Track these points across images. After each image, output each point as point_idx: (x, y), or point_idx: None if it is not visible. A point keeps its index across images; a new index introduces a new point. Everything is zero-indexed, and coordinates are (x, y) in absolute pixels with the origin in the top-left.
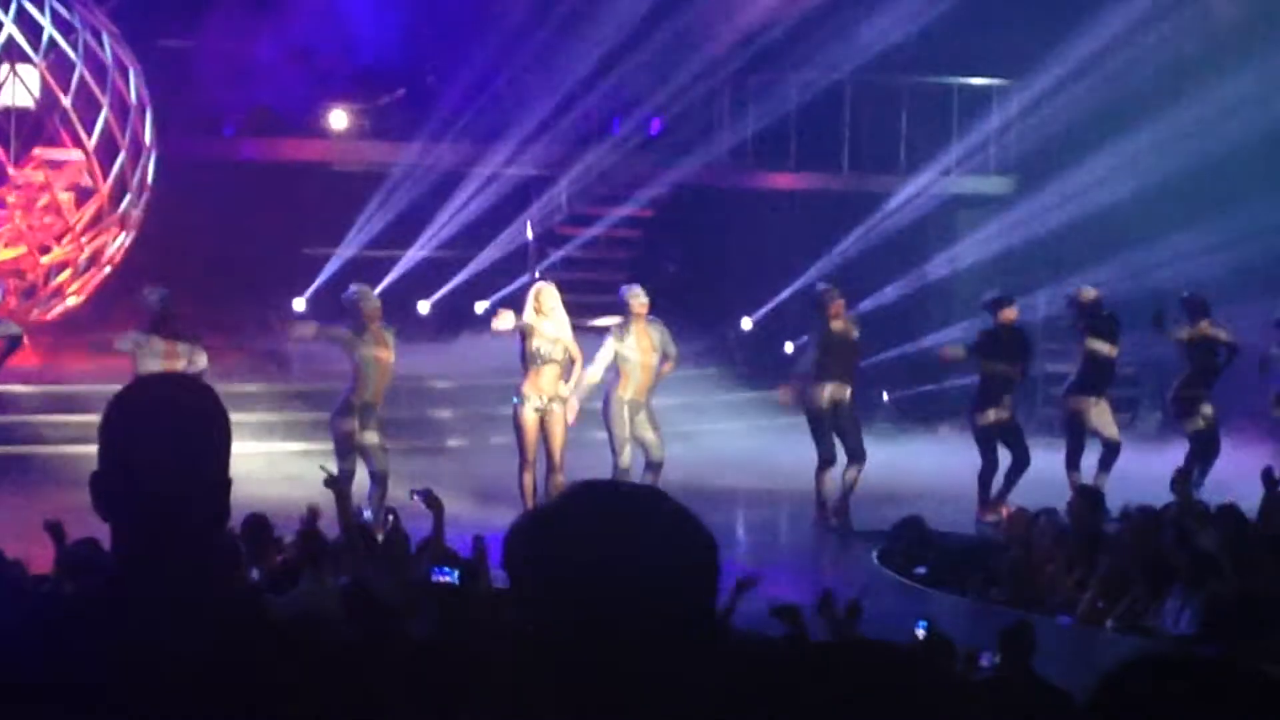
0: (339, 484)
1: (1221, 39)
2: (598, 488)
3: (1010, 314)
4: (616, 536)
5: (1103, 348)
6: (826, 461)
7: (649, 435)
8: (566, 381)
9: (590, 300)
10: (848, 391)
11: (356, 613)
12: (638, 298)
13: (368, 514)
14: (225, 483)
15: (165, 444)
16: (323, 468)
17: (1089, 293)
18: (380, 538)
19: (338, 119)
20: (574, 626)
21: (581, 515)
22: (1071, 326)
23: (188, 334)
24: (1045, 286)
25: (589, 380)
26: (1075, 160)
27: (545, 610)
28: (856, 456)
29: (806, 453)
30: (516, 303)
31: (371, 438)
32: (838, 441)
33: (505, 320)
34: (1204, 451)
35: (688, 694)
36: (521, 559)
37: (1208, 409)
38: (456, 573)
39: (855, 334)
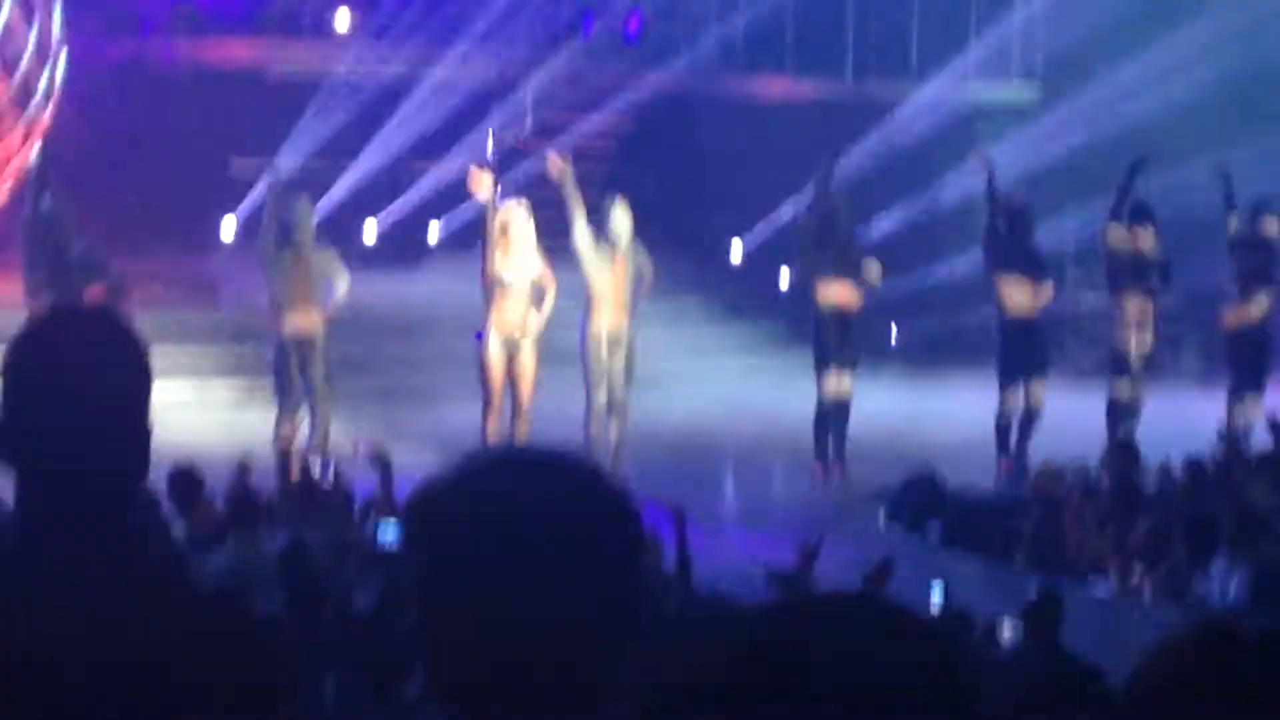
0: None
1: None
2: (500, 458)
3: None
4: (512, 520)
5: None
6: (823, 360)
7: (616, 375)
8: (536, 312)
9: (558, 220)
10: (855, 297)
11: (291, 580)
12: (619, 213)
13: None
14: (145, 429)
15: (77, 384)
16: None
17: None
18: (320, 495)
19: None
20: (462, 638)
21: (473, 495)
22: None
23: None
24: (1075, 209)
25: (547, 280)
26: (1109, 65)
27: (434, 611)
28: (850, 362)
29: (804, 395)
30: (475, 228)
31: (316, 373)
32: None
33: (483, 184)
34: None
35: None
36: (410, 541)
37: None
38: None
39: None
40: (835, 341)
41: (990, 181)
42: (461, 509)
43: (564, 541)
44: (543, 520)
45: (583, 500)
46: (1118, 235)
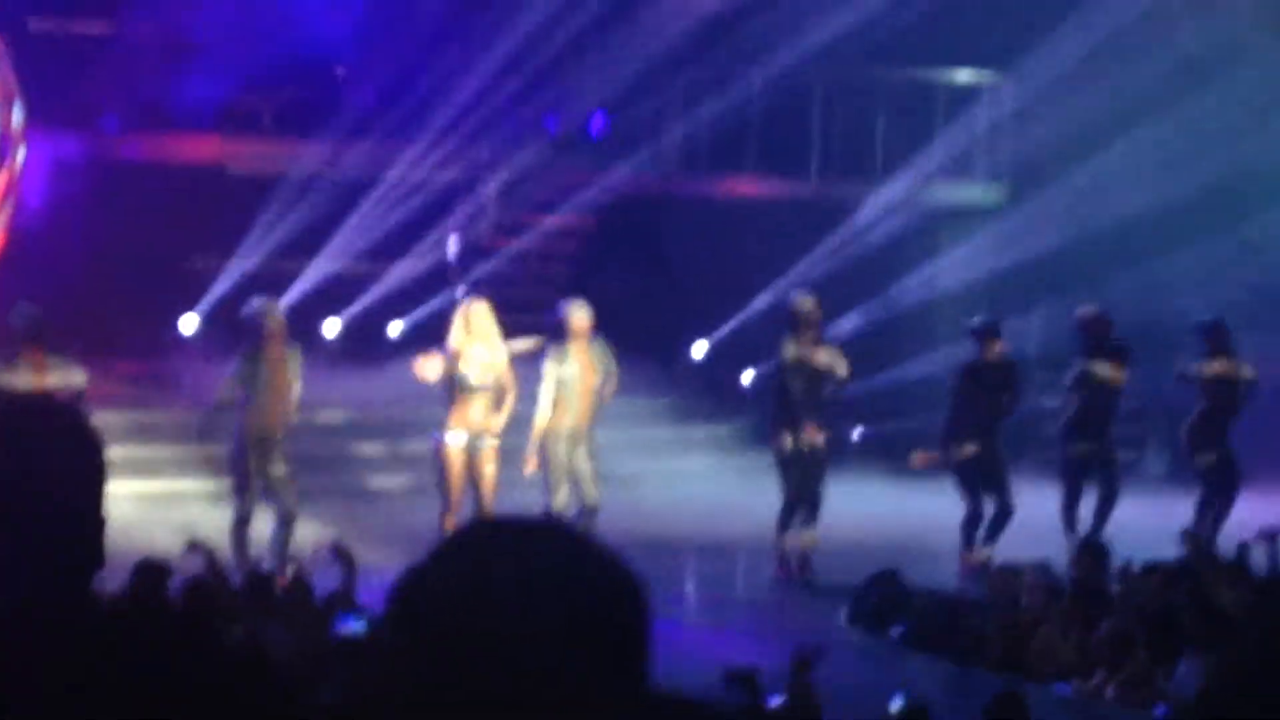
0: (200, 546)
1: (1242, 33)
2: (500, 525)
3: (997, 347)
4: (513, 587)
5: (1104, 370)
6: (791, 504)
7: (586, 476)
8: (497, 413)
9: (520, 320)
10: (817, 426)
11: (247, 676)
12: (579, 315)
13: (269, 563)
14: (99, 521)
15: (28, 474)
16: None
17: (1089, 311)
18: (280, 590)
19: (232, 115)
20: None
21: (472, 561)
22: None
23: (58, 350)
24: (1039, 311)
25: (538, 423)
26: (1074, 168)
27: (426, 679)
28: (813, 510)
29: (767, 496)
30: (437, 327)
31: (277, 470)
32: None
33: (432, 368)
34: (1220, 495)
35: None
36: (396, 615)
37: (1225, 448)
38: (364, 622)
39: (827, 361)
40: (795, 450)
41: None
42: (462, 582)
43: (578, 609)
44: (552, 588)
45: (593, 567)
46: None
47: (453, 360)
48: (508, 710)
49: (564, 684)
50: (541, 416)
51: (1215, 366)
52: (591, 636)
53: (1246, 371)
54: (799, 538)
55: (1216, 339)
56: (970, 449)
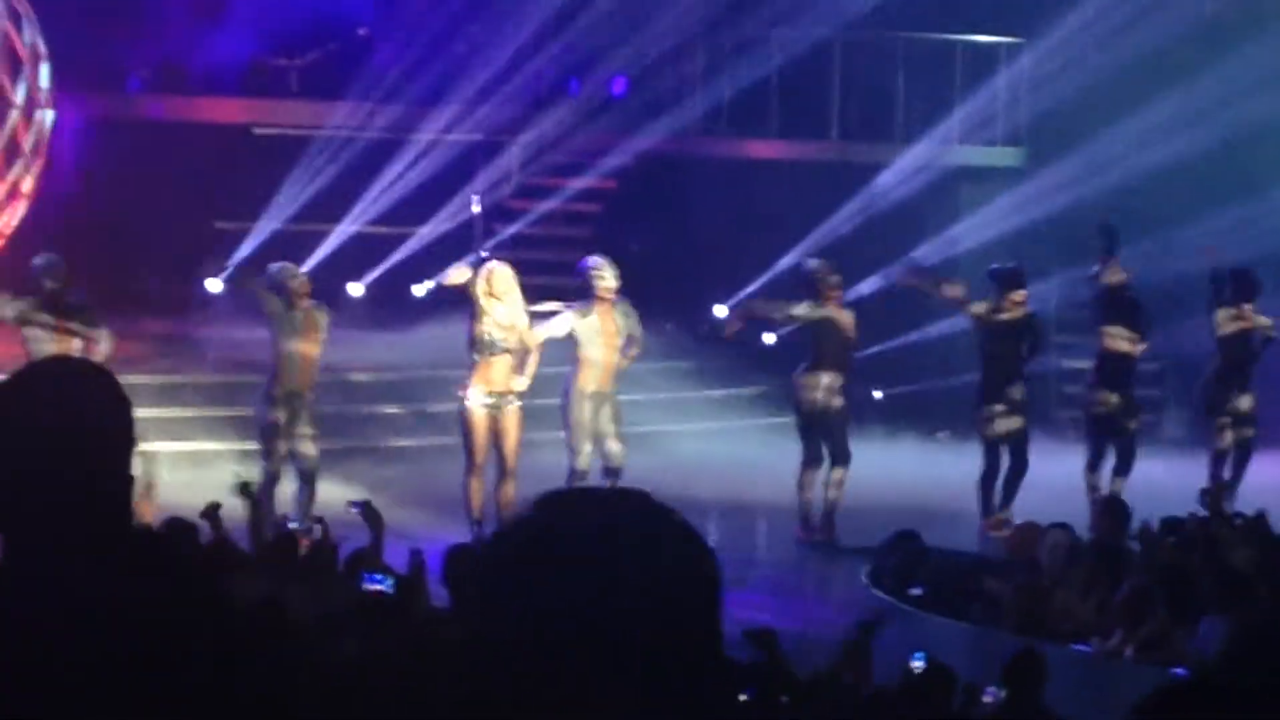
0: (251, 492)
1: None
2: (571, 498)
3: (1017, 297)
4: (602, 560)
5: (1120, 341)
6: (812, 461)
7: (610, 436)
8: (521, 374)
9: (543, 283)
10: (840, 385)
11: (268, 634)
12: (604, 279)
13: (294, 522)
14: (126, 480)
15: (57, 438)
16: (236, 473)
17: (1115, 275)
18: (305, 549)
19: (258, 76)
20: (551, 676)
21: (558, 535)
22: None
23: (84, 311)
24: (1058, 272)
25: (531, 341)
26: (1093, 130)
27: (520, 658)
28: (841, 458)
29: (788, 458)
30: (461, 289)
31: (304, 431)
32: (823, 443)
33: (459, 274)
34: (1236, 455)
35: None
36: (485, 593)
37: (1244, 403)
38: (390, 580)
39: (851, 322)
40: (818, 438)
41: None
42: (543, 555)
43: (658, 578)
44: (634, 555)
45: (670, 539)
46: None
47: (476, 318)
48: (585, 680)
49: (642, 654)
50: (544, 331)
51: (1232, 318)
52: (669, 606)
53: (1263, 321)
54: (827, 484)
55: (1240, 287)
56: (1004, 417)
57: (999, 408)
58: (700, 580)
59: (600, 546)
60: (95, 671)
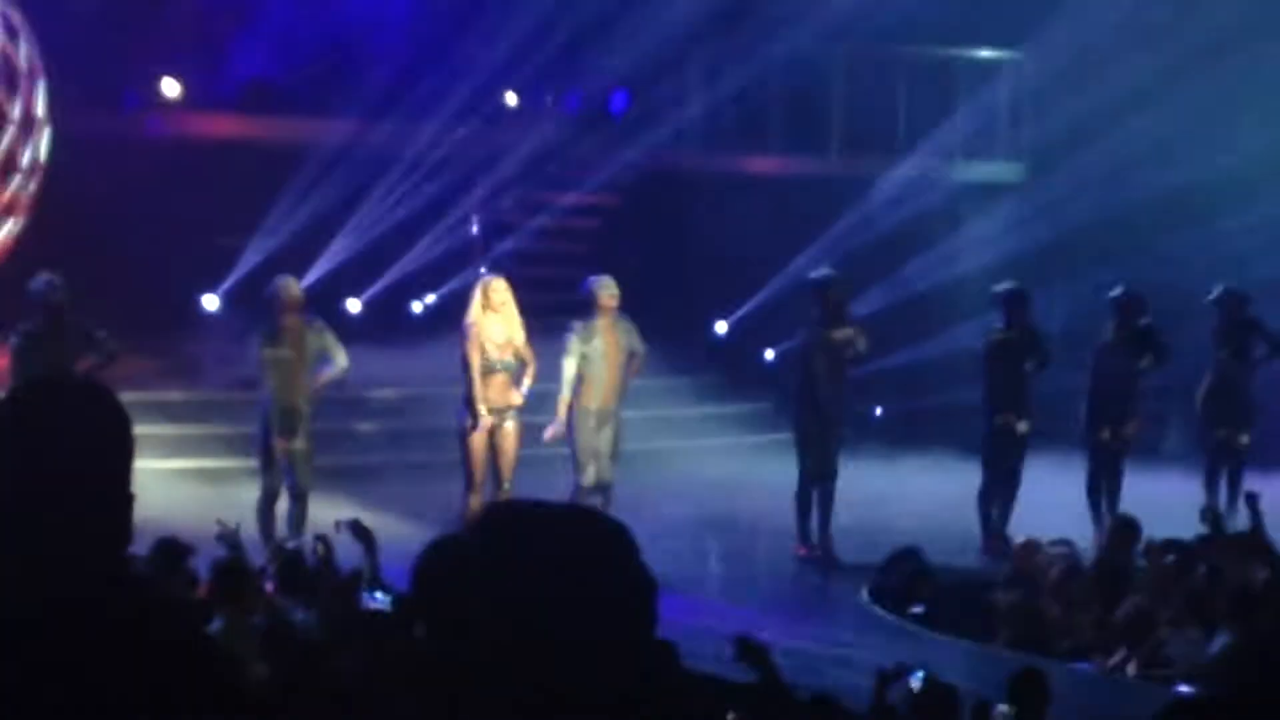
0: (232, 536)
1: (1269, 4)
2: (518, 509)
3: (1021, 315)
4: (536, 567)
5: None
6: (812, 477)
7: (604, 454)
8: (518, 389)
9: (542, 299)
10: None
11: (274, 652)
12: (607, 290)
13: (290, 541)
14: (127, 498)
15: (57, 455)
16: (219, 522)
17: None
18: (306, 567)
19: (169, 87)
20: (488, 669)
21: (496, 542)
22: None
23: (83, 330)
24: (1060, 288)
25: (561, 403)
26: (1094, 145)
27: (455, 650)
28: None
29: (787, 476)
30: (460, 304)
31: (298, 445)
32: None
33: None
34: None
35: None
36: (428, 591)
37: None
38: (389, 599)
39: (861, 341)
40: (817, 427)
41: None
42: (481, 559)
43: (586, 588)
44: (567, 566)
45: (605, 552)
46: None
47: (473, 335)
48: (522, 684)
49: (576, 663)
50: (567, 390)
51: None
52: (614, 620)
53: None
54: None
55: (1229, 308)
56: (1015, 422)
57: (1005, 419)
58: (632, 597)
59: (534, 556)
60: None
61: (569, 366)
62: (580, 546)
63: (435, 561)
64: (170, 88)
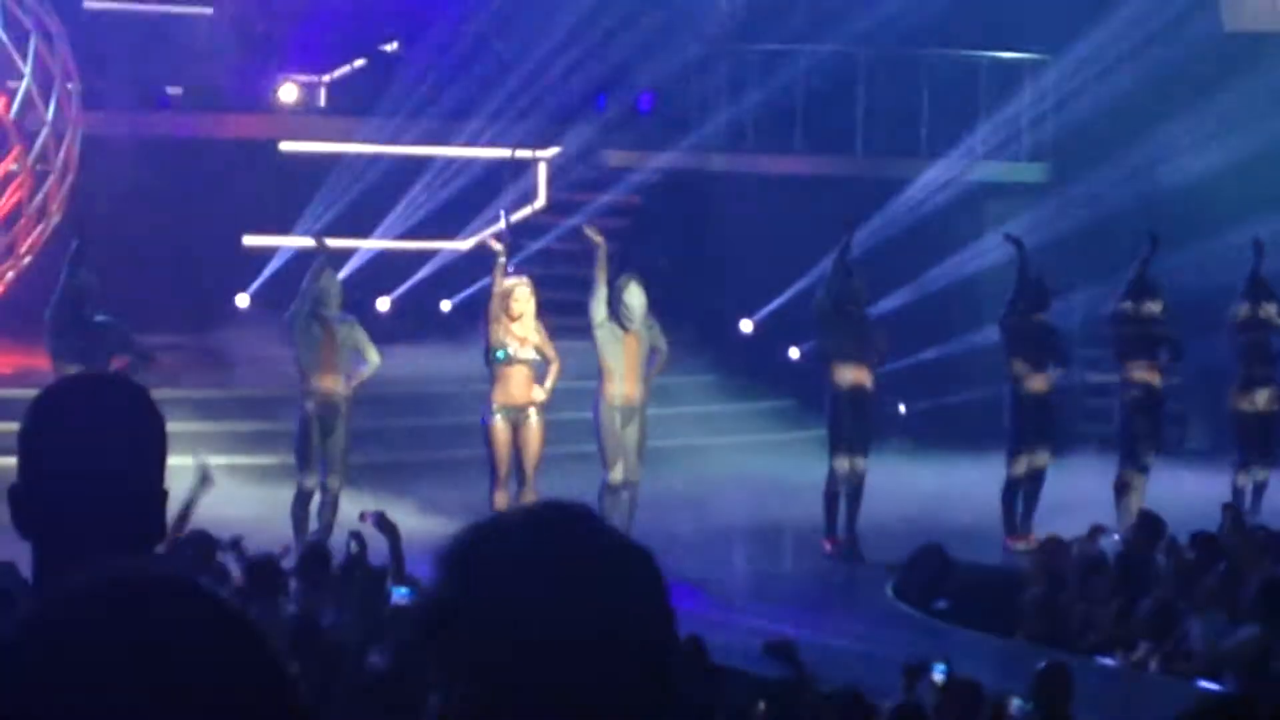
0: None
1: None
2: (492, 528)
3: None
4: (532, 580)
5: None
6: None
7: (631, 448)
8: (542, 385)
9: (569, 298)
10: (869, 378)
11: (303, 648)
12: (634, 292)
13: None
14: (160, 495)
15: (91, 452)
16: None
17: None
18: (337, 563)
19: (287, 93)
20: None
21: (496, 552)
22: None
23: (115, 330)
24: (1083, 288)
25: (552, 353)
26: (1117, 146)
27: (460, 668)
28: (864, 442)
29: (814, 473)
30: (487, 304)
31: (335, 441)
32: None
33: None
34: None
35: None
36: (435, 596)
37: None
38: (414, 592)
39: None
40: (850, 421)
41: (1022, 262)
42: (481, 568)
43: (603, 593)
44: (581, 573)
45: (614, 551)
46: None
47: (492, 331)
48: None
49: (587, 678)
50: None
51: (1246, 311)
52: (623, 640)
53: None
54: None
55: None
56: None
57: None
58: (652, 607)
59: (530, 567)
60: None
61: (596, 303)
62: (582, 564)
63: (442, 568)
64: (288, 93)
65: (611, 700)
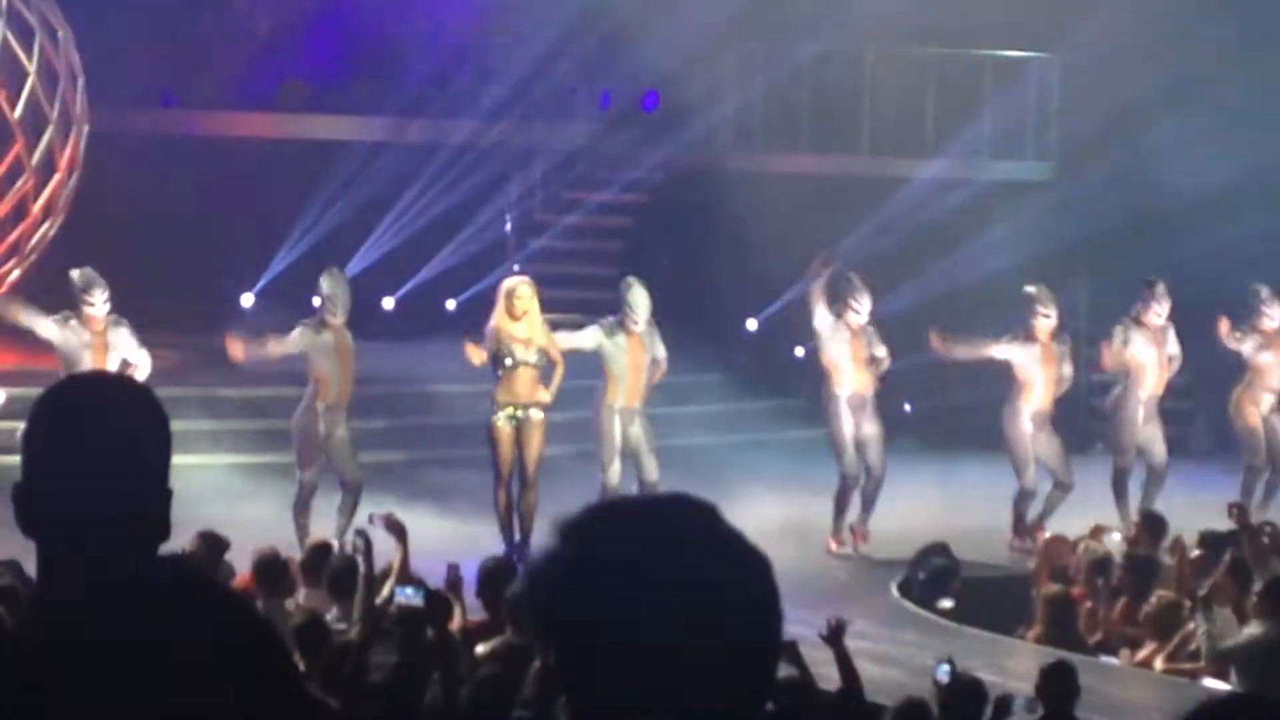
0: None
1: None
2: (621, 508)
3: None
4: (661, 570)
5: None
6: (850, 479)
7: (644, 451)
8: (546, 386)
9: (573, 296)
10: (870, 391)
11: (308, 646)
12: (634, 312)
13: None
14: (165, 494)
15: (95, 451)
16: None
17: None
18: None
19: (290, 91)
20: (619, 691)
21: (613, 547)
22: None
23: (120, 327)
24: (1088, 287)
25: (557, 354)
26: (1122, 145)
27: (582, 671)
28: (876, 469)
29: (817, 471)
30: (491, 303)
31: (341, 439)
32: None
33: (478, 355)
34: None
35: None
36: (547, 609)
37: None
38: (420, 592)
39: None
40: (855, 421)
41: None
42: (601, 567)
43: (715, 588)
44: (692, 572)
45: (730, 550)
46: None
47: (495, 336)
48: (635, 683)
49: (701, 669)
50: (565, 344)
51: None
52: (747, 624)
53: None
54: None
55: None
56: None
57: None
58: (761, 595)
59: (657, 560)
60: (132, 701)
61: (586, 333)
62: (704, 547)
63: (545, 579)
64: (295, 91)
65: (709, 692)
